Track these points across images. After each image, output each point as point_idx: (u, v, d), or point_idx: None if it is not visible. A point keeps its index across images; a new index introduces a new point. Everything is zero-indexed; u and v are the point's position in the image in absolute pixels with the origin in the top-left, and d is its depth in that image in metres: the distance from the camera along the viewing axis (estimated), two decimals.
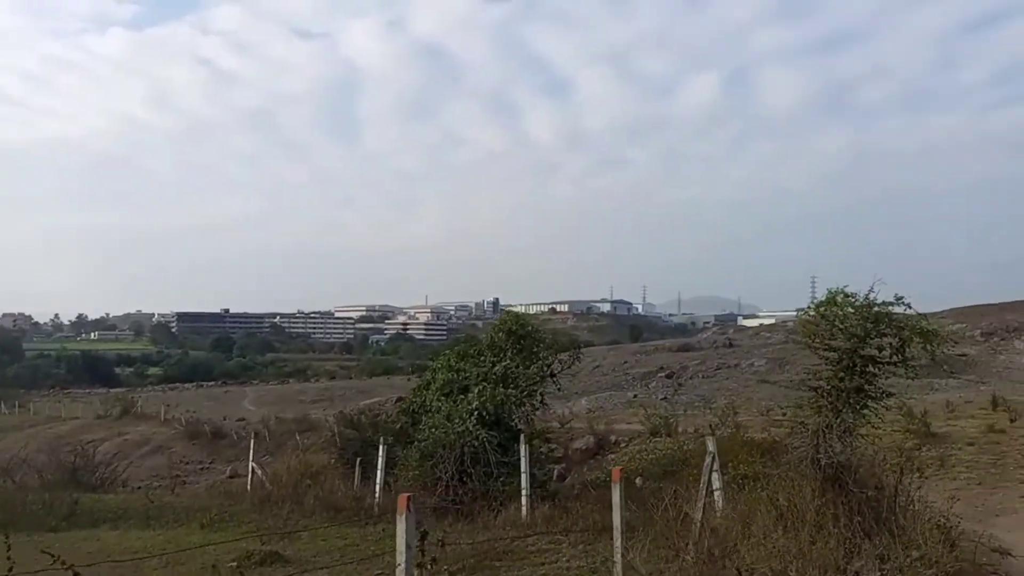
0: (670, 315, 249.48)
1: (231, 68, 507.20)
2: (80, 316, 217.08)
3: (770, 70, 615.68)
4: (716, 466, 7.76)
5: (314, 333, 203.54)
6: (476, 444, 12.03)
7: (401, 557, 4.25)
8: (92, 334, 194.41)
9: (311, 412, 39.31)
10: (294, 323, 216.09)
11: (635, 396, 35.70)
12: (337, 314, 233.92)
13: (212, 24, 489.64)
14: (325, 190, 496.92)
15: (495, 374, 13.61)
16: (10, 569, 7.57)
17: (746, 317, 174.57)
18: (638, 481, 12.77)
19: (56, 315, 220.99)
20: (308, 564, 8.68)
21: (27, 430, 39.87)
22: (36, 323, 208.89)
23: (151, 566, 8.53)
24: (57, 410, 49.50)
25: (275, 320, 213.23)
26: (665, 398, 33.22)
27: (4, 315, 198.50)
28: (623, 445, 19.13)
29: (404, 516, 4.59)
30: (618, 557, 6.24)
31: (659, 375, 41.74)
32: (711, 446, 7.88)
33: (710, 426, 13.64)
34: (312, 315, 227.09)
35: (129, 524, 11.94)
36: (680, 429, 19.02)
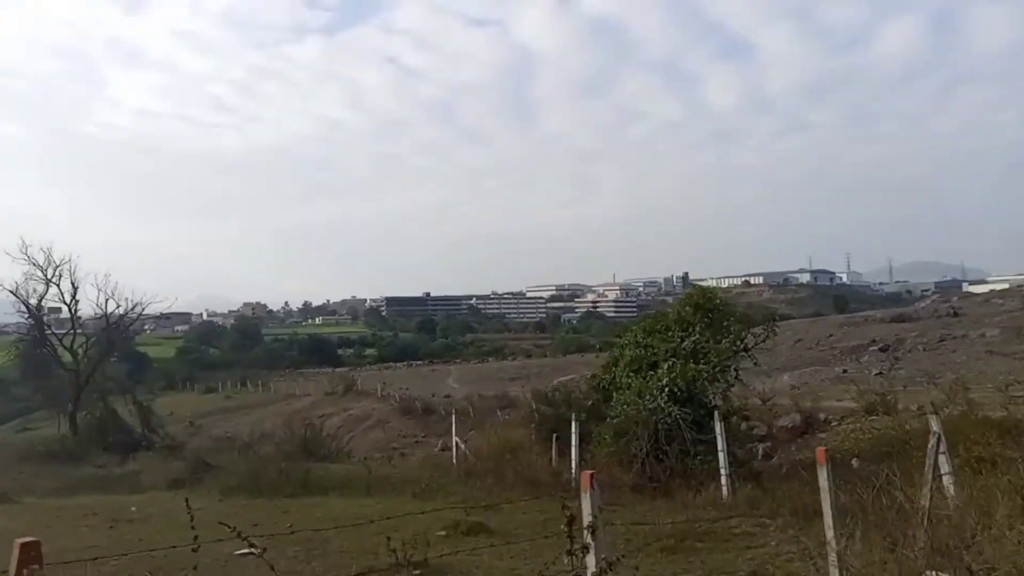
0: (880, 284, 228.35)
1: (415, 64, 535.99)
2: (306, 303, 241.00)
3: (981, 9, 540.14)
4: (943, 448, 6.97)
5: (508, 313, 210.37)
6: (669, 421, 11.79)
7: (586, 534, 4.27)
8: (316, 319, 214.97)
9: (510, 389, 40.66)
10: (489, 304, 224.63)
11: (844, 371, 33.17)
12: (529, 294, 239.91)
13: (396, 23, 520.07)
14: (508, 174, 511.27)
15: (684, 349, 13.23)
16: (255, 525, 8.53)
17: (972, 283, 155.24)
18: (854, 463, 11.85)
19: (286, 303, 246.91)
20: (511, 536, 8.99)
21: (269, 407, 45.00)
22: (271, 311, 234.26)
23: (370, 531, 9.28)
24: (292, 388, 55.09)
25: (471, 302, 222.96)
26: (880, 373, 30.50)
27: (244, 304, 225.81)
28: (834, 424, 17.83)
29: (588, 493, 4.59)
30: (831, 545, 5.82)
31: (871, 348, 38.42)
32: (935, 425, 7.09)
33: (932, 404, 12.32)
34: (505, 296, 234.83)
35: (352, 492, 13.08)
36: (900, 407, 17.38)
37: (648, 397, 12.21)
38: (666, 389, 12.24)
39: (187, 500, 4.64)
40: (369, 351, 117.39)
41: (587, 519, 4.51)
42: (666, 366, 12.83)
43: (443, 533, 9.57)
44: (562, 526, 4.08)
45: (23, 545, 2.75)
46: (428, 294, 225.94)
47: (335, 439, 20.28)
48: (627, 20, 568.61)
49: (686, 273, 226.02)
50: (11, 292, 32.15)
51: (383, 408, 39.40)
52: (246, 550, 9.05)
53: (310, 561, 8.36)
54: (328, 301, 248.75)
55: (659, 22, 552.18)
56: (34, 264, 32.16)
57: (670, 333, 13.98)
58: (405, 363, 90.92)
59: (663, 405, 11.96)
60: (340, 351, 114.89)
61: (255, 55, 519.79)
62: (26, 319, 34.19)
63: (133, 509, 12.75)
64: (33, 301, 33.04)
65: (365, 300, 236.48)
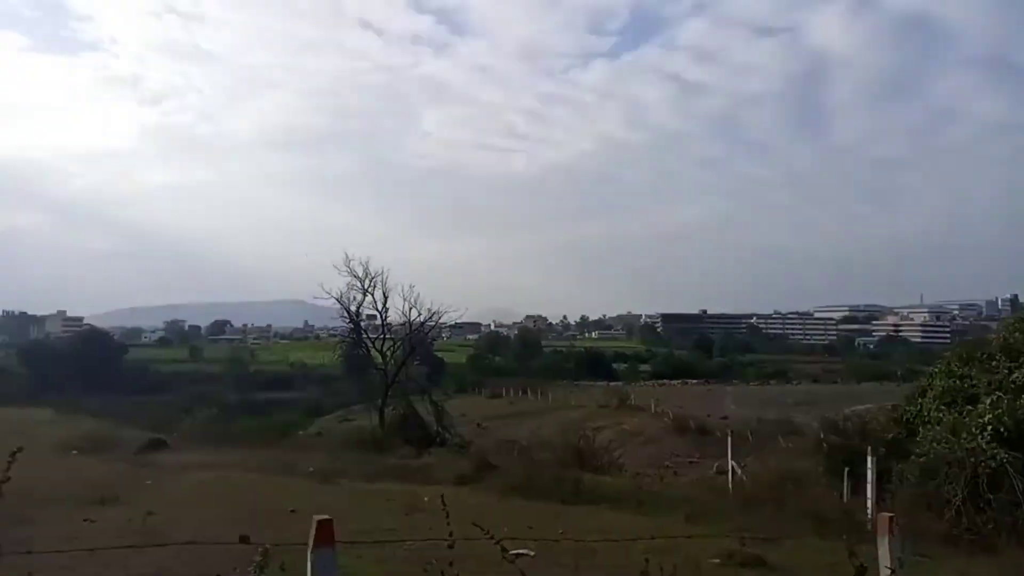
0: None
1: (696, 79, 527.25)
2: (583, 317, 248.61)
3: None
4: None
5: (792, 334, 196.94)
6: (993, 465, 10.00)
7: None
8: (593, 333, 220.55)
9: (793, 415, 37.92)
10: (771, 324, 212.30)
11: None
12: (817, 314, 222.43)
13: (678, 40, 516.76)
14: (794, 187, 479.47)
15: (1013, 383, 11.16)
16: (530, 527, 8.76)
17: None
18: None
19: (564, 317, 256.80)
20: (792, 574, 8.26)
21: (546, 415, 46.94)
22: (550, 324, 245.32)
23: (638, 549, 9.11)
24: (568, 399, 56.89)
25: (751, 320, 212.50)
26: None
27: (527, 317, 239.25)
28: None
29: (886, 539, 3.98)
30: None
31: None
32: None
33: None
34: (790, 316, 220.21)
35: (622, 506, 13.00)
36: None
37: (965, 436, 10.49)
38: (988, 428, 10.43)
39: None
40: (643, 367, 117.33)
41: (884, 570, 3.92)
42: (989, 401, 10.95)
43: (716, 561, 9.07)
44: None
45: (320, 522, 3.08)
46: (704, 311, 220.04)
47: (607, 451, 20.46)
48: (940, 13, 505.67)
49: (1015, 295, 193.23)
50: (336, 300, 37.40)
51: (656, 425, 38.98)
52: (521, 550, 9.40)
53: (577, 571, 8.42)
54: (604, 316, 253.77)
55: (982, 10, 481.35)
56: (354, 276, 37.05)
57: (994, 363, 11.93)
58: (680, 381, 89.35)
59: (984, 446, 10.20)
60: (615, 365, 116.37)
61: (545, 83, 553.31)
62: (347, 324, 39.50)
63: (425, 499, 13.97)
64: (353, 308, 38.08)
65: (640, 316, 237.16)
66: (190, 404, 55.12)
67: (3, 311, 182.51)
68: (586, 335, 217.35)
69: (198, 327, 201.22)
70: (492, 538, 4.09)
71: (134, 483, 15.68)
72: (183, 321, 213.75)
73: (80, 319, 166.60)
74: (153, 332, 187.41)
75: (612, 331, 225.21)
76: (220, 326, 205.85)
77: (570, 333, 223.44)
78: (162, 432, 30.04)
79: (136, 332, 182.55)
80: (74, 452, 22.53)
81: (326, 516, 3.17)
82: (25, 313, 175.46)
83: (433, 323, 39.11)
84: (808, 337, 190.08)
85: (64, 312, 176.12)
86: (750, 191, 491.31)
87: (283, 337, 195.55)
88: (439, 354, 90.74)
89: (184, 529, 10.25)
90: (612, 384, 75.58)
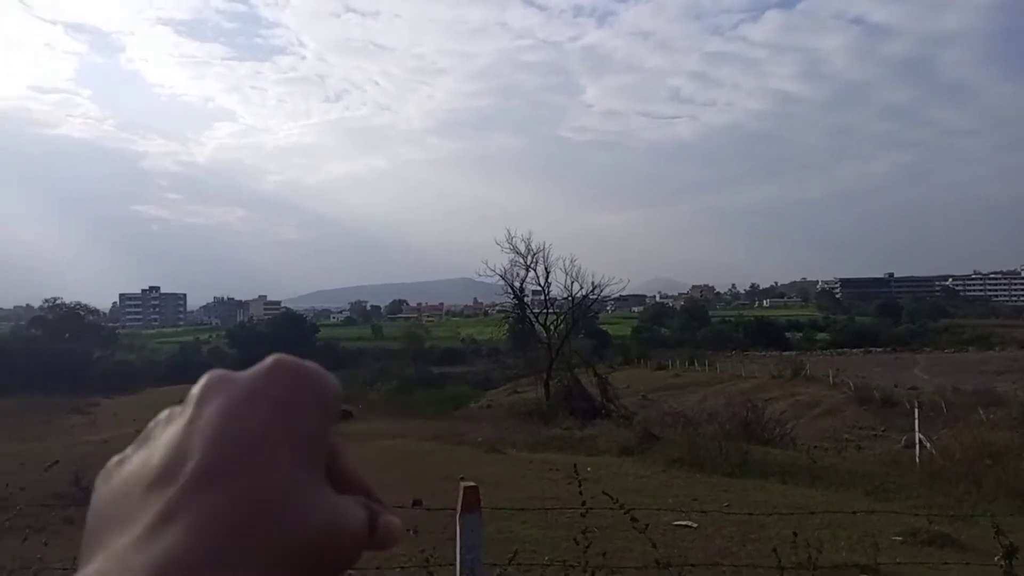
0: None
1: (882, 20, 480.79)
2: (753, 285, 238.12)
3: None
4: None
5: (996, 296, 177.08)
6: None
7: None
8: (764, 301, 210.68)
9: (996, 384, 34.25)
10: (970, 285, 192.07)
11: None
12: None
13: None
14: (994, 133, 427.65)
15: None
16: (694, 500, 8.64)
17: None
18: None
19: (733, 285, 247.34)
20: (987, 555, 7.54)
21: (713, 386, 45.63)
22: (717, 293, 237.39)
23: (813, 524, 8.70)
24: (737, 370, 54.92)
25: (946, 283, 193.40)
26: None
27: (693, 287, 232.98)
28: None
29: None
30: None
31: None
32: None
33: None
34: (992, 276, 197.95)
35: (794, 480, 12.45)
36: None
37: None
38: None
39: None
40: (820, 335, 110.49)
41: None
42: None
43: (899, 539, 8.49)
44: None
45: (466, 488, 3.24)
46: (891, 274, 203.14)
47: (779, 423, 19.57)
48: None
49: None
50: (500, 276, 38.45)
51: (834, 396, 36.65)
52: (684, 522, 9.30)
53: (745, 544, 8.20)
54: (776, 283, 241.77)
55: None
56: (517, 252, 37.92)
57: None
58: (862, 349, 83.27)
59: None
60: (788, 334, 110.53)
61: (712, 42, 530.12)
62: (511, 299, 40.50)
63: (588, 469, 14.15)
64: (517, 284, 39.00)
65: (816, 282, 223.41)
66: (373, 378, 59.19)
67: (215, 298, 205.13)
68: (756, 304, 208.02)
69: (378, 307, 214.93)
70: (656, 508, 4.10)
71: None
72: (365, 301, 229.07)
73: (278, 303, 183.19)
74: (340, 312, 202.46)
75: (785, 299, 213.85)
76: (398, 305, 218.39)
77: (739, 302, 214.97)
78: (349, 404, 32.54)
79: (325, 313, 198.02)
80: None
81: (471, 483, 3.31)
82: (232, 299, 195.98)
83: (596, 296, 39.18)
84: (1015, 299, 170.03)
85: (264, 297, 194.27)
86: (942, 140, 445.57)
87: (454, 314, 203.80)
88: (603, 327, 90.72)
89: None
90: (785, 354, 71.86)
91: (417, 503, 9.26)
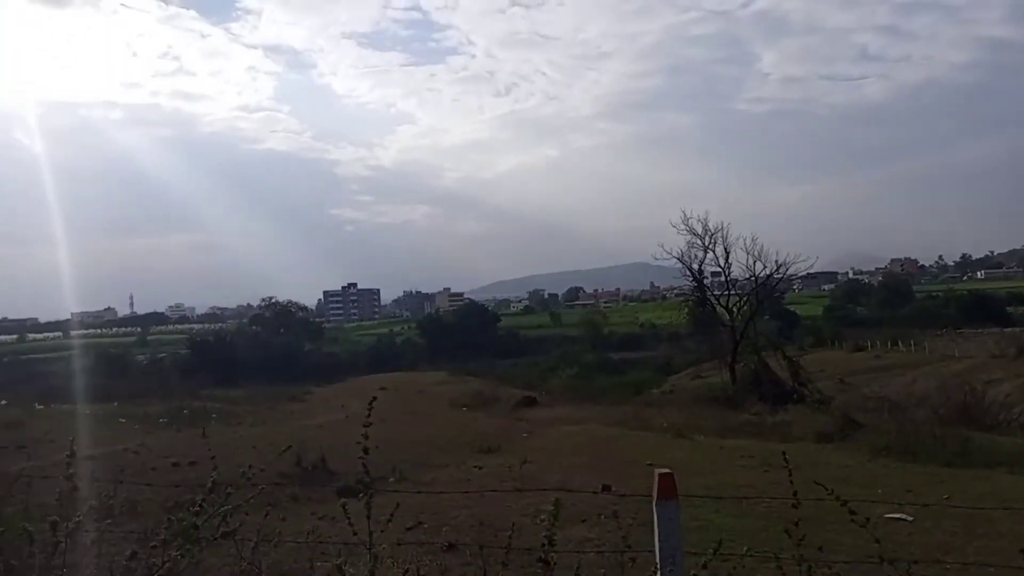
0: None
1: None
2: (964, 256, 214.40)
3: None
4: None
5: None
6: None
7: None
8: (978, 273, 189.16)
9: None
10: None
11: None
12: None
13: None
14: None
15: None
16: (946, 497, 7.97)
17: None
18: None
19: (940, 257, 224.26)
20: None
21: (921, 368, 41.68)
22: (921, 266, 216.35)
23: None
24: (949, 349, 49.96)
25: None
26: None
27: (892, 261, 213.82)
28: None
29: None
30: None
31: None
32: None
33: None
34: None
35: None
36: None
37: None
38: None
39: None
40: None
41: None
42: None
43: None
44: None
45: (661, 475, 3.20)
46: None
47: (1004, 408, 17.51)
48: None
49: None
50: (677, 259, 37.51)
51: None
52: (897, 515, 8.62)
53: (971, 540, 7.45)
54: (991, 253, 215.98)
55: None
56: (693, 233, 36.78)
57: None
58: None
59: None
60: (1009, 309, 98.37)
61: None
62: (690, 282, 39.45)
63: (784, 456, 13.47)
64: (695, 266, 37.87)
65: None
66: (554, 365, 60.21)
67: (404, 291, 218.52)
68: (968, 276, 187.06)
69: (555, 294, 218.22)
70: (867, 500, 3.85)
71: (511, 435, 17.75)
72: (542, 290, 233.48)
73: (461, 294, 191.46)
74: (518, 301, 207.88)
75: (1003, 269, 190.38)
76: (574, 292, 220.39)
77: (948, 275, 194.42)
78: (532, 390, 33.36)
79: (505, 303, 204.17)
80: (464, 408, 26.22)
81: (667, 470, 3.28)
82: (420, 292, 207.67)
83: (780, 275, 37.20)
84: None
85: (449, 289, 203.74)
86: None
87: (631, 299, 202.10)
88: (790, 307, 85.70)
89: (553, 476, 11.36)
90: (1008, 330, 64.00)
91: (606, 488, 9.33)
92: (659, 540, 3.15)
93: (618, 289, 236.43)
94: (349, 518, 2.96)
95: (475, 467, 12.74)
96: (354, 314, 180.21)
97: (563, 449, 14.81)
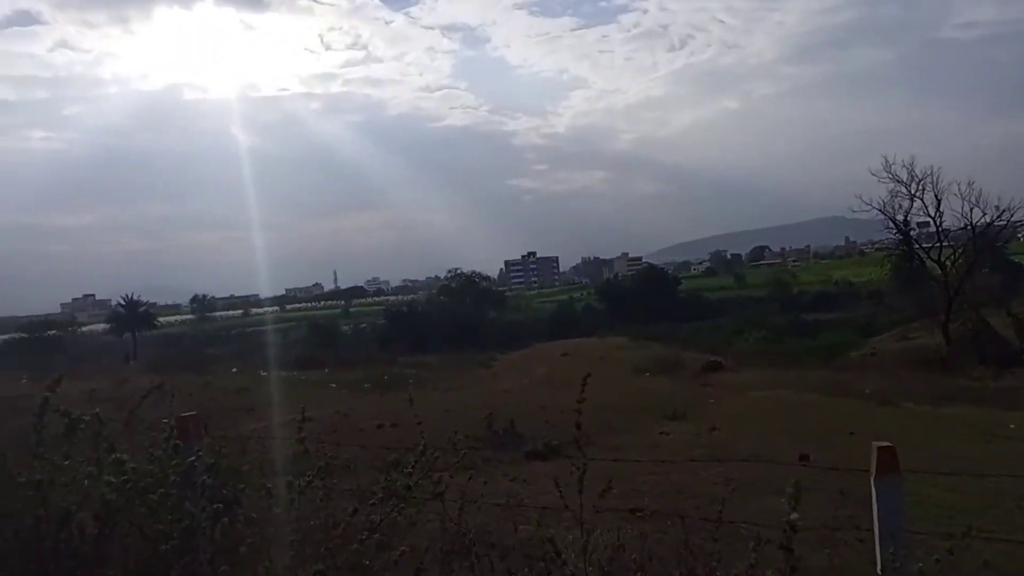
0: None
1: None
2: None
3: None
4: None
5: None
6: None
7: None
8: None
9: None
10: None
11: None
12: None
13: None
14: None
15: None
16: None
17: None
18: None
19: None
20: None
21: None
22: None
23: None
24: None
25: None
26: None
27: None
28: None
29: None
30: None
31: None
32: None
33: None
34: None
35: None
36: None
37: None
38: None
39: None
40: None
41: None
42: None
43: None
44: None
45: (881, 449, 2.95)
46: None
47: None
48: None
49: None
50: (879, 211, 34.41)
51: None
52: None
53: None
54: None
55: None
56: (898, 181, 33.57)
57: None
58: None
59: None
60: None
61: None
62: (894, 235, 36.12)
63: (1012, 426, 12.09)
64: (900, 217, 34.61)
65: None
66: (739, 327, 57.92)
67: (582, 258, 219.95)
68: None
69: (739, 255, 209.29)
70: None
71: (697, 400, 17.37)
72: (724, 250, 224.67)
73: (639, 258, 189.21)
74: (699, 263, 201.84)
75: None
76: (759, 251, 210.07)
77: None
78: (717, 354, 32.36)
79: (685, 265, 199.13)
80: (646, 373, 26.01)
81: (887, 443, 3.03)
82: (598, 258, 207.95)
83: (1004, 223, 33.09)
84: None
85: (626, 254, 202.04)
86: None
87: (822, 256, 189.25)
88: (1015, 258, 75.82)
89: (744, 444, 11.00)
90: None
91: (804, 458, 8.89)
92: (878, 518, 2.93)
93: (808, 246, 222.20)
94: (560, 489, 3.01)
95: (661, 433, 12.66)
96: (534, 282, 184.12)
97: (753, 416, 14.29)
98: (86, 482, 2.94)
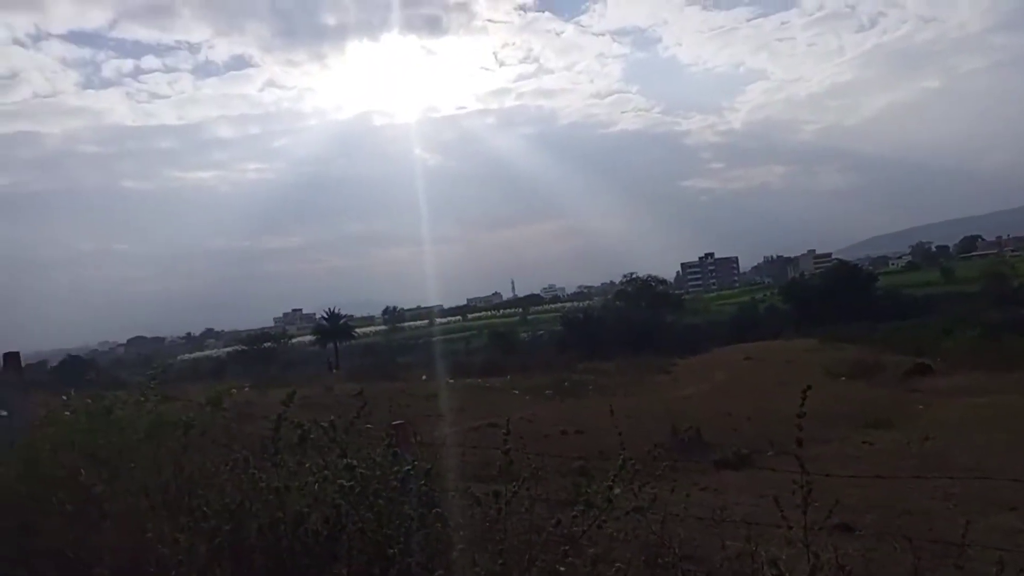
0: None
1: None
2: None
3: None
4: None
5: None
6: None
7: None
8: None
9: None
10: None
11: None
12: None
13: None
14: None
15: None
16: None
17: None
18: None
19: None
20: None
21: None
22: None
23: None
24: None
25: None
26: None
27: None
28: None
29: None
30: None
31: None
32: None
33: None
34: None
35: None
36: None
37: None
38: None
39: None
40: None
41: None
42: None
43: None
44: None
45: None
46: None
47: None
48: None
49: None
50: None
51: None
52: None
53: None
54: None
55: None
56: None
57: None
58: None
59: None
60: None
61: None
62: None
63: None
64: None
65: None
66: (949, 326, 52.39)
67: (764, 257, 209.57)
68: None
69: (945, 246, 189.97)
70: None
71: (903, 407, 15.97)
72: (928, 242, 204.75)
73: (828, 255, 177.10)
74: (899, 258, 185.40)
75: None
76: (970, 242, 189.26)
77: None
78: (923, 356, 29.54)
79: (882, 260, 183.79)
80: (841, 378, 24.27)
81: None
82: (781, 256, 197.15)
83: None
84: None
85: (814, 251, 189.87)
86: None
87: None
88: None
89: (963, 456, 9.99)
90: None
91: None
92: None
93: None
94: (781, 508, 2.79)
95: (864, 443, 11.80)
96: (713, 284, 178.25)
97: (971, 424, 12.92)
98: (316, 486, 3.30)
